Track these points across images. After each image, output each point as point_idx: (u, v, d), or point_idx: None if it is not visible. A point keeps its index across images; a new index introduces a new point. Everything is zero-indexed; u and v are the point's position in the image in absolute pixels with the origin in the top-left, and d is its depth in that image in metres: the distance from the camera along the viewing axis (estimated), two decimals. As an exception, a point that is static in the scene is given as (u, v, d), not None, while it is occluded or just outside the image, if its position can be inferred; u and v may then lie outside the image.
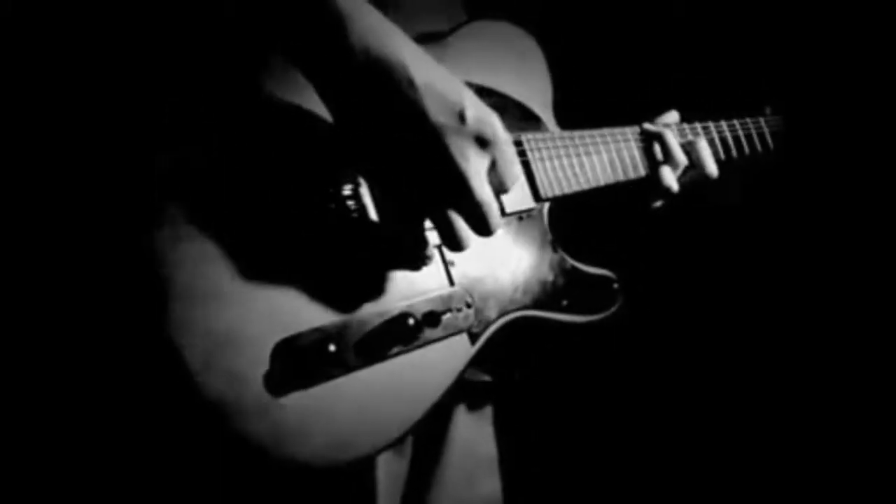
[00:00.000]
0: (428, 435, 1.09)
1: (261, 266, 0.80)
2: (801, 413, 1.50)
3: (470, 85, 1.02)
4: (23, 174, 0.76)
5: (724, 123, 1.33)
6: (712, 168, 1.22)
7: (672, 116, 1.28)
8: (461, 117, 0.78)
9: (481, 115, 0.80)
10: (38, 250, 0.76)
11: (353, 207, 0.87)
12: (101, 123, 0.76)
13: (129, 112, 0.77)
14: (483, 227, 0.82)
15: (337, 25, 0.74)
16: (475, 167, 0.79)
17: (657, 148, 1.20)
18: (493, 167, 0.83)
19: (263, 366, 0.77)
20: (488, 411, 1.18)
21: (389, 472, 1.01)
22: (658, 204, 1.22)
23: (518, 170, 0.86)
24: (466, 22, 1.13)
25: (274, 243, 0.81)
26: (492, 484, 1.16)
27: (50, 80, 0.77)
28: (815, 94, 1.46)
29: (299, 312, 0.81)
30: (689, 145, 1.22)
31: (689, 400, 1.57)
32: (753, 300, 1.56)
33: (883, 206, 1.47)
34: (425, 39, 1.05)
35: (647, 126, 1.21)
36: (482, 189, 0.80)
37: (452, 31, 1.10)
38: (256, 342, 0.77)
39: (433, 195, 0.80)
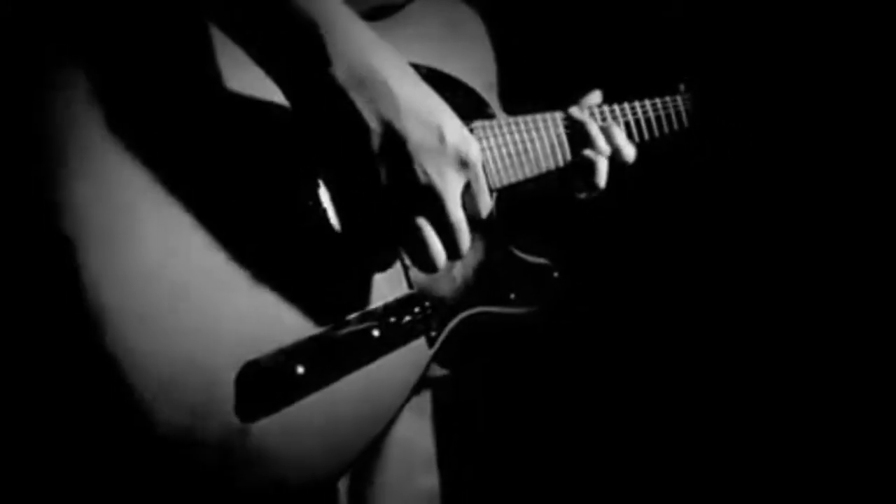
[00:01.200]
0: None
1: (219, 281, 0.73)
2: (794, 409, 1.53)
3: (418, 67, 0.98)
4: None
5: (646, 103, 1.30)
6: (629, 152, 1.16)
7: (595, 97, 1.22)
8: (441, 138, 0.76)
9: (460, 137, 0.79)
10: None
11: (312, 212, 0.81)
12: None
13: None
14: (454, 250, 0.80)
15: (316, 35, 0.70)
16: (452, 188, 0.78)
17: (582, 135, 1.13)
18: (467, 190, 0.81)
19: (229, 391, 0.71)
20: (428, 406, 1.17)
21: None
22: (583, 195, 1.18)
23: (488, 197, 0.84)
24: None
25: (234, 251, 0.74)
26: (430, 480, 1.16)
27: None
28: (731, 67, 1.49)
29: (261, 331, 0.75)
30: (606, 130, 1.16)
31: (653, 395, 1.59)
32: (731, 292, 1.57)
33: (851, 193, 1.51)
34: (376, 14, 1.00)
35: (573, 112, 1.15)
36: (457, 211, 0.79)
37: (402, 6, 1.03)
38: (216, 369, 0.71)
39: (409, 213, 0.77)
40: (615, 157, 1.15)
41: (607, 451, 1.60)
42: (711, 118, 1.46)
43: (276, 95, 0.77)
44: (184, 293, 0.70)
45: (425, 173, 0.75)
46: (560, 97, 1.20)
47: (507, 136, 1.08)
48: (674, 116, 1.40)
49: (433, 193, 0.76)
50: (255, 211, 0.77)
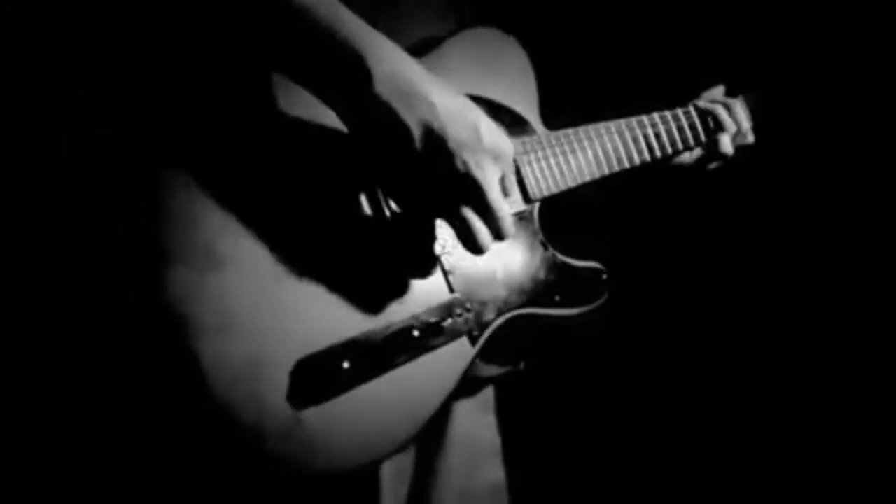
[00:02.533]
0: (430, 428, 1.18)
1: (271, 286, 0.86)
2: (795, 408, 1.56)
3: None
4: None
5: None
6: (751, 136, 1.41)
7: (720, 90, 1.44)
8: (477, 135, 0.87)
9: (494, 132, 0.90)
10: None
11: (365, 221, 0.93)
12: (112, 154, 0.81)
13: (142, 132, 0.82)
14: (500, 231, 0.91)
15: (360, 62, 0.83)
16: (491, 178, 0.89)
17: (710, 120, 1.35)
18: (502, 180, 0.93)
19: (283, 387, 0.84)
20: (490, 401, 1.26)
21: (392, 467, 1.09)
22: (713, 166, 1.40)
23: (514, 184, 0.97)
24: (458, 30, 1.17)
25: (288, 256, 0.88)
26: (495, 472, 1.24)
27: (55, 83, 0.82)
28: (786, 81, 1.51)
29: (311, 331, 0.88)
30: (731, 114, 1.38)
31: (686, 394, 1.62)
32: (747, 291, 1.60)
33: (870, 197, 1.51)
34: (422, 48, 1.12)
35: (701, 104, 1.35)
36: (497, 197, 0.90)
37: (445, 39, 1.14)
38: (276, 364, 0.84)
39: (455, 202, 0.89)
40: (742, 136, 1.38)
41: (656, 448, 1.62)
42: (770, 126, 1.49)
43: (329, 122, 0.90)
44: (256, 302, 0.84)
45: (465, 165, 0.86)
46: (600, 111, 1.28)
47: (548, 150, 1.17)
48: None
49: (474, 183, 0.87)
50: (317, 225, 0.90)
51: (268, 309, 0.86)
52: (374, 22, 1.08)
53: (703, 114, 1.35)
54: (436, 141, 0.85)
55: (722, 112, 1.36)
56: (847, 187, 1.54)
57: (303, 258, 0.89)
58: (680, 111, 1.34)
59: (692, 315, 1.64)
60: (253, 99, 0.90)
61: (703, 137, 1.35)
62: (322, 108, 0.88)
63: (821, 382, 1.57)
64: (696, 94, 1.44)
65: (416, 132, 0.84)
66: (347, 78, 0.83)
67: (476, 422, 1.22)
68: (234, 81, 0.89)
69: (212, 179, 0.84)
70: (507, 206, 0.92)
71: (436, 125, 0.85)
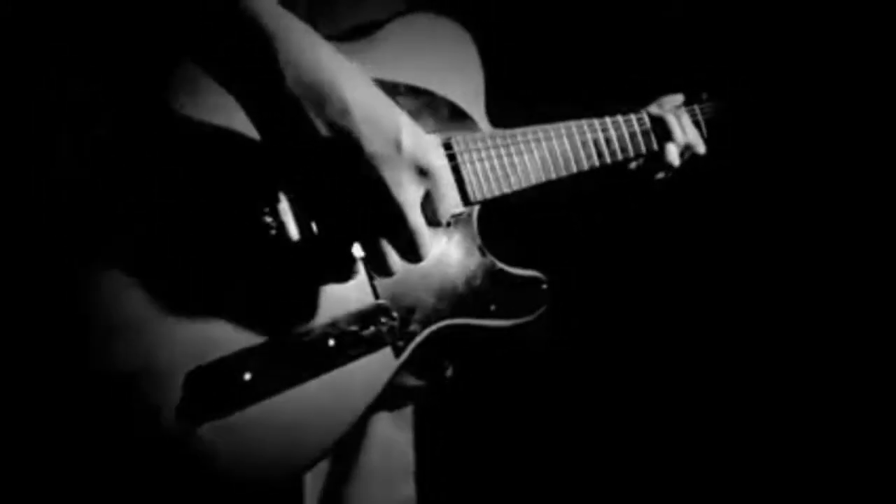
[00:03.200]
0: (348, 442, 1.10)
1: (173, 290, 0.77)
2: (790, 410, 1.54)
3: (396, 85, 1.00)
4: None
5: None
6: (701, 148, 1.36)
7: (679, 98, 1.40)
8: (397, 145, 0.76)
9: (418, 143, 0.78)
10: None
11: (272, 226, 0.84)
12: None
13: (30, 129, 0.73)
14: (413, 256, 0.81)
15: (266, 45, 0.71)
16: (410, 198, 0.78)
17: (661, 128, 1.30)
18: (427, 197, 0.82)
19: (176, 398, 0.75)
20: (409, 416, 1.19)
21: (316, 472, 1.01)
22: (660, 176, 1.34)
23: (451, 202, 0.85)
24: (398, 14, 1.08)
25: (187, 265, 0.79)
26: (407, 489, 1.18)
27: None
28: (758, 77, 1.48)
29: (215, 338, 0.79)
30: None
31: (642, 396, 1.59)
32: (722, 295, 1.58)
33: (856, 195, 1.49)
34: (355, 34, 1.03)
35: (653, 111, 1.31)
36: (416, 219, 0.79)
37: (383, 24, 1.05)
38: (169, 373, 0.75)
39: (366, 223, 0.79)
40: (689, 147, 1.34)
41: (591, 457, 1.59)
42: (733, 126, 1.46)
43: (236, 119, 0.81)
44: (149, 303, 0.75)
45: (381, 182, 0.75)
46: (552, 111, 1.21)
47: (492, 150, 1.09)
48: (702, 123, 1.41)
49: (391, 203, 0.76)
50: (216, 225, 0.81)
51: (161, 317, 0.76)
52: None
53: (655, 121, 1.30)
54: (347, 150, 0.74)
55: (672, 120, 1.31)
56: (834, 187, 1.53)
57: (205, 266, 0.80)
58: (633, 116, 1.29)
59: (641, 321, 1.61)
60: (160, 98, 0.80)
61: (654, 146, 1.30)
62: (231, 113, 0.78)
63: (802, 378, 1.56)
64: (652, 98, 1.40)
65: (326, 136, 0.73)
66: (251, 64, 0.72)
67: (395, 437, 1.15)
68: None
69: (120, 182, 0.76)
70: (427, 230, 0.81)
71: (349, 130, 0.73)
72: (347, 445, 1.11)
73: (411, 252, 0.80)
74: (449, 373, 1.16)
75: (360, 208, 0.77)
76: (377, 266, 0.82)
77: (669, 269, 1.60)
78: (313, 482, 1.03)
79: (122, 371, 0.73)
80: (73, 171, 0.74)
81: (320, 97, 0.72)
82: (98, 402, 0.72)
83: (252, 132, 0.79)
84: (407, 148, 0.77)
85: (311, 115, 0.72)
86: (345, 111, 0.73)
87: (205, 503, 0.78)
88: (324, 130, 0.73)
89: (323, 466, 1.08)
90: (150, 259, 0.77)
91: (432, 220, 0.83)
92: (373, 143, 0.74)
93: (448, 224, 1.05)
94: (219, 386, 0.77)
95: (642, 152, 1.29)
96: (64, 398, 0.71)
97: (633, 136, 1.27)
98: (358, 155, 0.74)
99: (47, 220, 0.73)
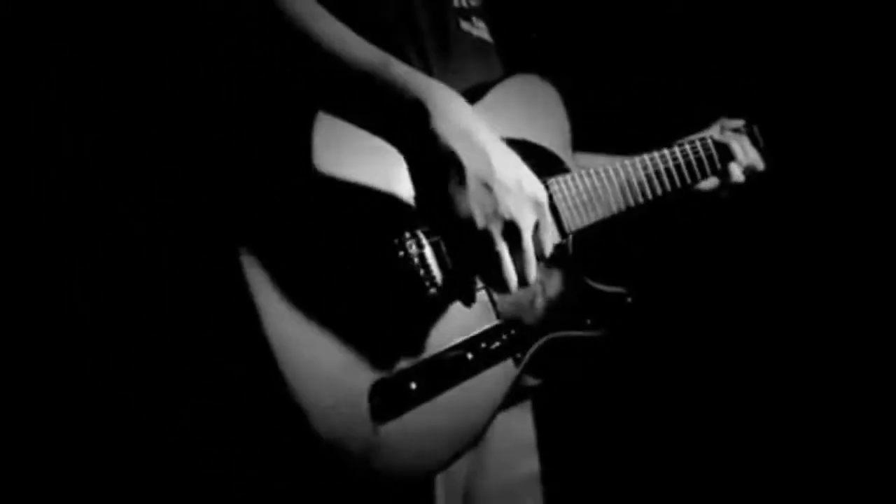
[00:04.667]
0: None
1: (351, 323, 1.00)
2: (802, 413, 1.68)
3: (509, 139, 1.22)
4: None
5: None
6: (760, 164, 1.57)
7: (738, 123, 1.60)
8: (519, 183, 0.98)
9: (534, 184, 1.01)
10: (145, 260, 0.97)
11: (418, 265, 1.06)
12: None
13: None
14: (524, 276, 1.01)
15: (423, 110, 0.93)
16: (528, 221, 1.00)
17: (724, 152, 1.51)
18: (536, 228, 1.02)
19: (365, 404, 0.98)
20: (527, 401, 1.40)
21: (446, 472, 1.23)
22: (725, 194, 1.55)
23: (553, 234, 1.06)
24: (500, 80, 1.29)
25: (357, 303, 1.01)
26: (531, 464, 1.38)
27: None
28: (798, 102, 1.63)
29: (384, 359, 1.02)
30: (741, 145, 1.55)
31: (697, 398, 1.76)
32: (757, 303, 1.73)
33: (875, 207, 1.63)
34: (471, 95, 1.24)
35: (716, 137, 1.51)
36: (529, 241, 1.01)
37: (489, 87, 1.27)
38: (359, 384, 0.98)
39: (494, 240, 0.98)
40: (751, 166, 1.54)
41: (677, 444, 1.77)
42: (781, 154, 1.62)
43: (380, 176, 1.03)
44: (333, 335, 0.98)
45: (508, 209, 0.97)
46: (625, 148, 1.42)
47: (580, 186, 1.30)
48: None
49: (514, 225, 0.97)
50: (377, 270, 1.03)
51: (348, 348, 0.99)
52: (430, 71, 1.22)
53: (719, 147, 1.50)
54: (485, 183, 0.95)
55: (735, 144, 1.52)
56: (849, 193, 1.66)
57: (369, 304, 1.01)
58: (698, 144, 1.49)
59: (715, 324, 1.76)
60: (293, 146, 1.01)
61: (718, 166, 1.49)
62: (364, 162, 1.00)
63: (819, 387, 1.69)
64: (714, 115, 1.57)
65: (470, 172, 0.94)
66: (410, 116, 0.93)
67: (512, 416, 1.34)
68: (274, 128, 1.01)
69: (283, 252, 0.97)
70: (534, 257, 1.02)
71: (488, 169, 0.95)
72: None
73: (524, 268, 1.01)
74: (561, 378, 1.36)
75: (490, 228, 0.97)
76: (496, 282, 1.01)
77: (738, 280, 1.75)
78: (446, 483, 1.22)
79: (325, 392, 0.96)
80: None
81: (465, 135, 0.94)
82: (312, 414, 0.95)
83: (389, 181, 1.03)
84: (526, 186, 0.99)
85: (460, 153, 0.94)
86: (484, 152, 0.95)
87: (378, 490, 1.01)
88: (468, 163, 0.94)
89: (455, 467, 1.27)
90: (325, 292, 0.99)
91: (539, 248, 1.04)
92: (505, 180, 0.97)
93: (565, 234, 1.25)
94: (394, 394, 1.00)
95: (708, 174, 1.48)
96: (284, 411, 0.94)
97: (699, 161, 1.47)
98: (492, 186, 0.96)
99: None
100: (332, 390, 0.96)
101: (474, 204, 0.96)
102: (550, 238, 1.05)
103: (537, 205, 1.01)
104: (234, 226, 0.95)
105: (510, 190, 0.97)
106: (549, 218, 1.04)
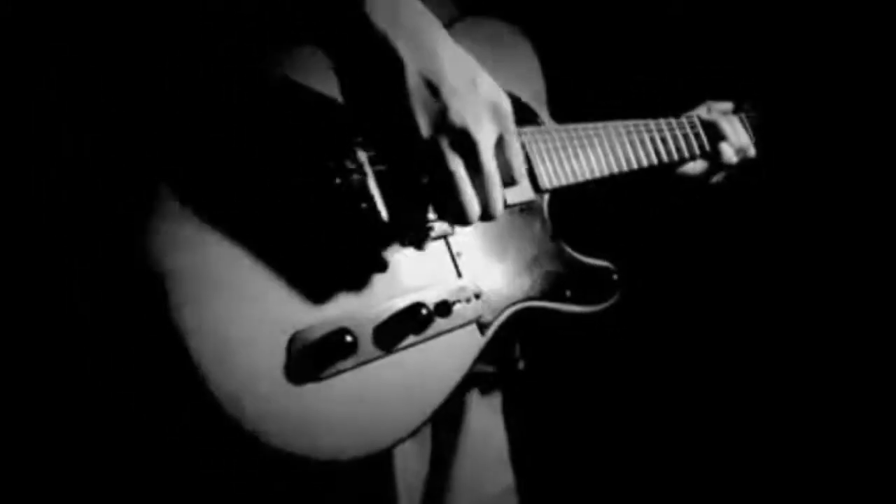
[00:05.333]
0: (446, 428, 1.10)
1: (270, 257, 0.79)
2: (800, 411, 1.54)
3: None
4: (26, 172, 0.75)
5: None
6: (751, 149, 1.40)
7: (728, 105, 1.45)
8: (474, 83, 0.78)
9: (492, 87, 0.80)
10: (43, 247, 0.74)
11: (358, 195, 0.86)
12: (101, 110, 0.75)
13: (129, 101, 0.76)
14: (488, 205, 0.80)
15: None
16: (486, 135, 0.78)
17: (712, 131, 1.35)
18: (499, 145, 0.82)
19: (280, 360, 0.76)
20: (498, 401, 1.18)
21: (409, 468, 1.00)
22: (716, 178, 1.39)
23: (521, 156, 0.85)
24: (459, 19, 1.13)
25: (282, 234, 0.80)
26: (505, 475, 1.17)
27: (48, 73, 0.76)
28: (796, 88, 1.52)
29: (312, 304, 0.80)
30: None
31: (691, 394, 1.60)
32: (752, 294, 1.59)
33: (874, 202, 1.51)
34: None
35: (704, 116, 1.36)
36: (489, 161, 0.79)
37: (450, 25, 1.10)
38: (272, 337, 0.76)
39: (444, 157, 0.77)
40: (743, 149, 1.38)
41: (660, 446, 1.59)
42: (776, 134, 1.49)
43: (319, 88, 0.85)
44: (248, 272, 0.77)
45: (460, 115, 0.76)
46: (603, 109, 1.25)
47: (559, 143, 1.12)
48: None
49: (467, 136, 0.76)
50: (313, 202, 0.83)
51: (265, 276, 0.77)
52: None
53: (706, 125, 1.35)
54: (429, 82, 0.75)
55: (724, 124, 1.37)
56: (849, 191, 1.54)
57: (295, 238, 0.81)
58: (685, 120, 1.33)
59: (702, 316, 1.62)
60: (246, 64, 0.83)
61: (707, 147, 1.33)
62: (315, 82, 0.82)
63: (817, 384, 1.56)
64: (700, 100, 1.44)
65: (410, 68, 0.74)
66: (344, 7, 0.74)
67: (487, 424, 1.14)
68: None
69: (201, 157, 0.78)
70: (499, 180, 0.81)
71: (432, 66, 0.75)
72: (445, 441, 1.10)
73: (485, 198, 0.80)
74: (521, 365, 1.16)
75: (439, 143, 0.76)
76: (453, 210, 0.80)
77: (730, 267, 1.61)
78: (408, 486, 1.02)
79: (216, 334, 0.74)
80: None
81: (407, 32, 0.75)
82: (202, 365, 0.72)
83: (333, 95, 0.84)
84: (483, 88, 0.79)
85: (399, 46, 0.74)
86: (428, 46, 0.76)
87: (303, 468, 0.78)
88: (408, 59, 0.74)
89: (421, 469, 1.07)
90: (244, 224, 0.78)
91: (505, 171, 0.83)
92: (452, 78, 0.76)
93: (522, 210, 1.07)
94: (323, 347, 0.78)
95: (696, 153, 1.32)
96: (174, 361, 0.72)
97: (685, 137, 1.31)
98: (439, 86, 0.75)
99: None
100: (243, 341, 0.74)
101: (416, 105, 0.75)
102: (518, 158, 0.83)
103: (498, 113, 0.80)
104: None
105: (462, 92, 0.76)
106: (513, 130, 0.82)
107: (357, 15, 0.74)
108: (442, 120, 0.76)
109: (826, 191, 1.60)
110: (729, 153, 1.36)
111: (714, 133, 1.36)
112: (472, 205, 0.79)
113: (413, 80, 0.75)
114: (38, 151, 0.76)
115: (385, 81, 0.75)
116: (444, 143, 0.77)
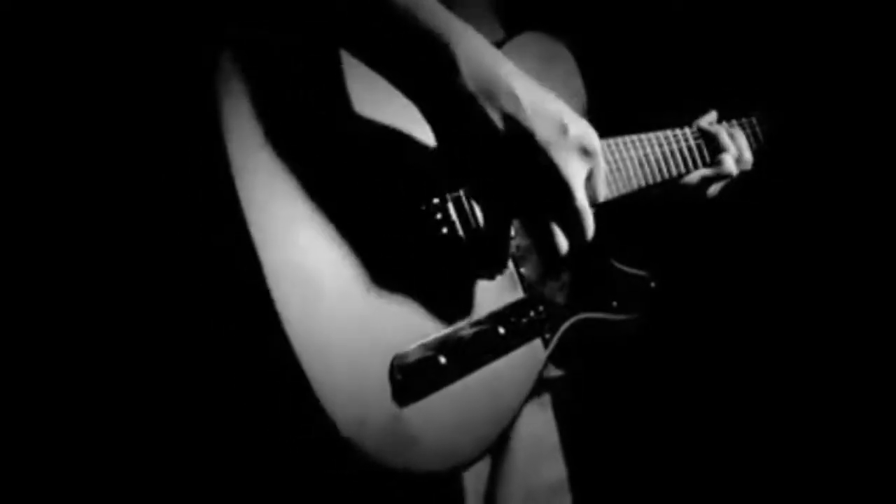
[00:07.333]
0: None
1: (366, 285, 0.82)
2: (807, 415, 1.60)
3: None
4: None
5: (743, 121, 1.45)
6: (749, 157, 1.38)
7: (713, 115, 1.42)
8: (564, 130, 0.83)
9: (581, 128, 0.85)
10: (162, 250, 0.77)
11: (441, 224, 0.90)
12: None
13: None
14: (580, 235, 0.87)
15: (445, 48, 0.78)
16: (578, 177, 0.84)
17: (713, 142, 1.33)
18: (588, 179, 0.88)
19: (385, 382, 0.80)
20: (547, 400, 1.24)
21: (473, 471, 1.05)
22: (715, 189, 1.35)
23: (605, 185, 0.91)
24: (506, 39, 1.16)
25: (372, 261, 0.84)
26: (557, 469, 1.22)
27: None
28: (806, 96, 1.56)
29: (402, 328, 0.84)
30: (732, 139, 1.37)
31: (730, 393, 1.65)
32: (762, 301, 1.65)
33: (879, 206, 1.58)
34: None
35: (703, 126, 1.33)
36: (583, 198, 0.85)
37: (502, 43, 1.13)
38: (375, 361, 0.80)
39: (538, 204, 0.84)
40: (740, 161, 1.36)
41: (714, 450, 1.65)
42: (785, 143, 1.54)
43: (404, 116, 0.86)
44: (342, 300, 0.80)
45: (552, 164, 0.81)
46: (644, 122, 1.30)
47: (607, 156, 1.17)
48: (751, 136, 1.48)
49: (560, 183, 0.82)
50: (393, 224, 0.86)
51: (360, 316, 0.81)
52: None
53: (707, 136, 1.35)
54: (521, 138, 0.80)
55: (724, 135, 1.36)
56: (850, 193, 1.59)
57: (385, 264, 0.84)
58: (688, 130, 1.35)
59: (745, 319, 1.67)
60: (327, 97, 0.85)
61: (707, 158, 1.34)
62: (401, 110, 0.84)
63: (823, 388, 1.62)
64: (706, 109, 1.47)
65: (501, 127, 0.80)
66: (431, 67, 0.78)
67: (536, 420, 1.19)
68: (303, 75, 0.84)
69: (294, 189, 0.79)
70: (590, 210, 0.87)
71: (521, 119, 0.80)
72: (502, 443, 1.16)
73: (577, 230, 0.86)
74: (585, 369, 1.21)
75: (533, 191, 0.83)
76: (547, 248, 0.86)
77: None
78: (475, 486, 1.07)
79: (334, 370, 0.77)
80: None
81: (492, 91, 0.79)
82: (325, 392, 0.76)
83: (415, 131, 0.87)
84: (572, 131, 0.84)
85: (487, 109, 0.79)
86: (515, 102, 0.80)
87: (395, 484, 0.83)
88: (498, 121, 0.79)
89: (483, 469, 1.11)
90: (338, 263, 0.81)
91: (592, 200, 0.89)
92: (543, 128, 0.81)
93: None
94: (422, 369, 0.82)
95: (699, 165, 1.33)
96: (291, 386, 0.75)
97: (690, 149, 1.32)
98: (530, 141, 0.81)
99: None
100: (348, 365, 0.78)
101: (509, 166, 0.81)
102: (603, 189, 0.90)
103: (585, 152, 0.85)
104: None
105: (551, 140, 0.82)
106: (602, 166, 0.88)
107: (448, 83, 0.78)
108: (535, 170, 0.82)
109: (840, 201, 1.64)
110: (729, 163, 1.34)
111: (714, 143, 1.35)
112: (564, 244, 0.86)
113: (505, 139, 0.80)
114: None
115: (477, 144, 0.81)
116: (539, 192, 0.83)
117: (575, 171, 0.84)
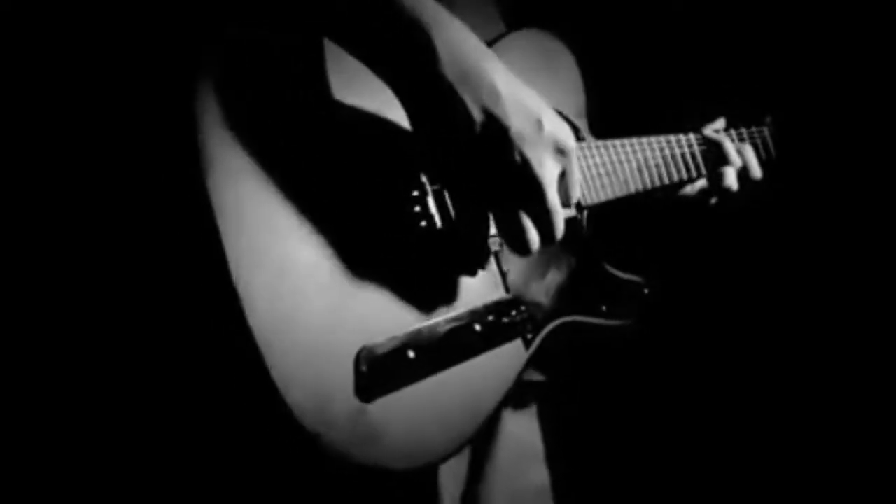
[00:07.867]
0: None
1: (338, 274, 0.81)
2: (807, 415, 1.58)
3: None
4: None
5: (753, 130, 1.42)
6: (758, 171, 1.34)
7: (721, 123, 1.40)
8: (539, 126, 0.82)
9: (557, 126, 0.84)
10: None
11: (420, 217, 0.88)
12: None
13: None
14: (550, 234, 0.85)
15: (425, 33, 0.77)
16: (550, 174, 0.83)
17: (716, 152, 1.30)
18: (562, 177, 0.86)
19: (349, 373, 0.78)
20: (533, 407, 1.22)
21: (449, 470, 1.04)
22: (714, 201, 1.34)
23: (579, 186, 0.89)
24: (506, 33, 1.15)
25: (347, 250, 0.82)
26: (540, 474, 1.21)
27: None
28: (817, 102, 1.53)
29: (374, 319, 0.83)
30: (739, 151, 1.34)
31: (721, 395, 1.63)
32: (762, 303, 1.62)
33: (884, 210, 1.54)
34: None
35: (708, 133, 1.31)
36: (554, 197, 0.84)
37: (494, 42, 1.12)
38: (342, 350, 0.78)
39: (509, 199, 0.83)
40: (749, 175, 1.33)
41: (708, 452, 1.63)
42: (796, 148, 1.50)
43: (385, 106, 0.86)
44: (311, 287, 0.78)
45: (525, 161, 0.81)
46: (646, 124, 1.27)
47: (597, 158, 1.15)
48: (761, 146, 1.45)
49: (533, 180, 0.82)
50: (371, 215, 0.85)
51: (330, 305, 0.79)
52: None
53: (710, 143, 1.31)
54: (497, 131, 0.79)
55: (728, 145, 1.31)
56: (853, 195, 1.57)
57: (360, 254, 0.83)
58: (693, 136, 1.31)
59: (727, 321, 1.65)
60: (304, 86, 0.83)
61: (703, 169, 1.30)
62: (381, 99, 0.83)
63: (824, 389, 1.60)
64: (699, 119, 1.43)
65: (477, 118, 0.78)
66: (411, 53, 0.77)
67: (520, 425, 1.18)
68: (285, 62, 0.83)
69: (268, 177, 0.77)
70: (562, 210, 0.86)
71: (498, 114, 0.79)
72: (480, 445, 1.14)
73: (548, 230, 0.85)
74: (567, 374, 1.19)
75: (505, 186, 0.82)
76: (517, 242, 0.85)
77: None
78: (448, 486, 1.06)
79: (297, 358, 0.75)
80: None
81: (471, 81, 0.78)
82: (281, 381, 0.74)
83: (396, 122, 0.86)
84: (547, 128, 0.82)
85: (464, 98, 0.78)
86: (494, 94, 0.79)
87: (356, 480, 0.81)
88: (475, 111, 0.78)
89: (460, 471, 1.10)
90: (313, 242, 0.79)
91: (565, 202, 0.88)
92: (519, 123, 0.80)
93: (581, 208, 1.09)
94: (388, 363, 0.80)
95: (702, 173, 1.30)
96: (249, 374, 0.74)
97: (693, 156, 1.29)
98: (505, 134, 0.80)
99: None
100: (313, 353, 0.76)
101: (483, 158, 0.80)
102: (576, 191, 0.89)
103: (560, 151, 0.85)
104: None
105: (526, 136, 0.81)
106: (576, 167, 0.87)
107: (427, 71, 0.77)
108: (508, 165, 0.81)
109: (840, 206, 1.61)
110: (731, 177, 1.31)
111: (717, 153, 1.31)
112: (535, 240, 0.85)
113: (481, 131, 0.79)
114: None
115: (453, 134, 0.80)
116: (511, 186, 0.82)
117: (548, 169, 0.83)
